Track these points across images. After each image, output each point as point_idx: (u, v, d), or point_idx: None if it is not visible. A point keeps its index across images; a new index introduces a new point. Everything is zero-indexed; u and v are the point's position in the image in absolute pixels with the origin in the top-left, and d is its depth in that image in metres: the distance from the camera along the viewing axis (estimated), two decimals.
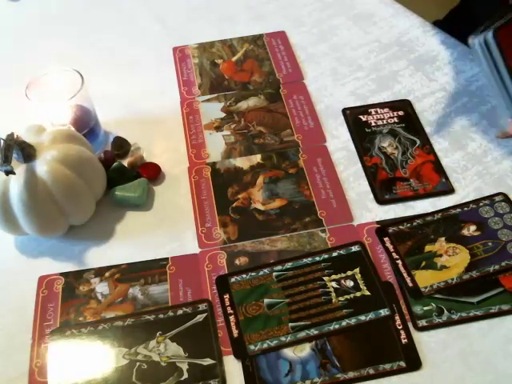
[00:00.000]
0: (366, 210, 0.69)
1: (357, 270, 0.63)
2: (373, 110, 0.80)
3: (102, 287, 0.64)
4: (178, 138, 0.79)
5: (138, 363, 0.57)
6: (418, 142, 0.76)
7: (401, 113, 0.79)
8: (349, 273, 0.63)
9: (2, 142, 0.60)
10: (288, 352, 0.58)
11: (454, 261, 0.63)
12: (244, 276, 0.63)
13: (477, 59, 0.70)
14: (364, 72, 0.86)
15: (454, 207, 0.68)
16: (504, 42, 0.64)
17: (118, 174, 0.72)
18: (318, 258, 0.64)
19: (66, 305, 0.63)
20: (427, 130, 0.77)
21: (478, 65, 0.71)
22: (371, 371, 0.56)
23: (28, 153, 0.63)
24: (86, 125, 0.75)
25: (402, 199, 0.70)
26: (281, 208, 0.70)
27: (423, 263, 0.63)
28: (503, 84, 0.68)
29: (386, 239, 0.66)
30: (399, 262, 0.63)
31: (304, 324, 0.59)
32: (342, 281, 0.62)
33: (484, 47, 0.67)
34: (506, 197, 0.69)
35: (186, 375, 0.56)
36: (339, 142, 0.77)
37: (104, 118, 0.79)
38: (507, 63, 0.65)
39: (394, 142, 0.76)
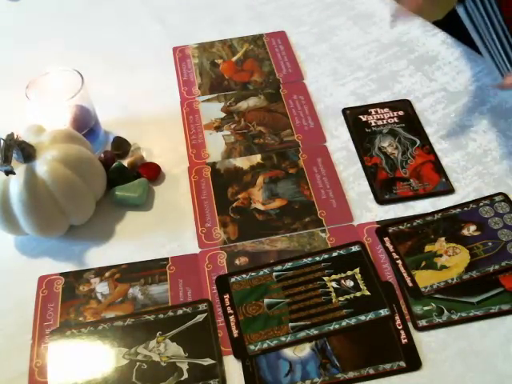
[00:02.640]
0: (366, 210, 0.69)
1: (357, 270, 0.63)
2: (373, 110, 0.80)
3: (101, 287, 0.64)
4: (178, 138, 0.79)
5: (138, 363, 0.57)
6: (418, 142, 0.76)
7: (401, 113, 0.79)
8: (349, 273, 0.63)
9: (2, 142, 0.60)
10: (288, 352, 0.58)
11: (453, 261, 0.63)
12: (244, 276, 0.63)
13: (466, 25, 0.70)
14: (364, 72, 0.86)
15: (454, 207, 0.68)
16: None
17: (118, 173, 0.72)
18: (318, 258, 0.64)
19: (65, 305, 0.63)
20: (427, 130, 0.77)
21: (469, 31, 0.71)
22: (371, 371, 0.56)
23: (28, 153, 0.63)
24: (86, 125, 0.75)
25: (402, 199, 0.70)
26: (281, 208, 0.70)
27: (423, 263, 0.63)
28: (498, 40, 0.69)
29: (386, 239, 0.65)
30: (399, 261, 0.63)
31: (304, 324, 0.59)
32: (342, 281, 0.62)
33: (471, 8, 0.67)
34: (506, 197, 0.69)
35: (186, 375, 0.56)
36: (339, 142, 0.77)
37: (104, 118, 0.79)
38: (503, 14, 0.66)
39: (394, 142, 0.76)
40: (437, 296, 0.60)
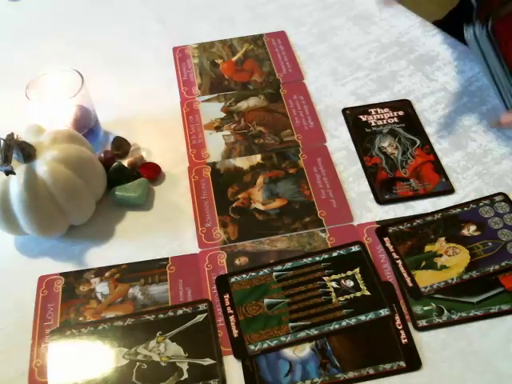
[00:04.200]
0: (366, 210, 0.69)
1: (357, 270, 0.63)
2: (373, 110, 0.80)
3: (102, 287, 0.64)
4: (178, 138, 0.79)
5: (138, 363, 0.57)
6: (418, 142, 0.76)
7: (401, 113, 0.79)
8: (349, 273, 0.63)
9: (2, 142, 0.60)
10: (288, 352, 0.58)
11: (454, 261, 0.63)
12: (244, 276, 0.63)
13: (472, 49, 0.70)
14: (364, 72, 0.86)
15: (454, 207, 0.68)
16: (500, 35, 0.65)
17: (117, 173, 0.72)
18: (318, 258, 0.64)
19: (66, 305, 0.63)
20: (427, 130, 0.77)
21: (473, 54, 0.72)
22: (371, 371, 0.56)
23: (28, 153, 0.63)
24: (86, 125, 0.75)
25: (402, 199, 0.70)
26: (281, 208, 0.70)
27: (423, 263, 0.63)
28: (493, 77, 0.69)
29: (386, 239, 0.66)
30: (399, 261, 0.63)
31: (304, 324, 0.59)
32: (342, 281, 0.62)
33: (477, 38, 0.67)
34: (506, 197, 0.69)
35: (186, 375, 0.56)
36: (339, 142, 0.77)
37: (104, 118, 0.79)
38: (500, 56, 0.66)
39: (394, 142, 0.76)
40: (437, 296, 0.60)
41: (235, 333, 0.59)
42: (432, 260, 0.63)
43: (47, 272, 0.65)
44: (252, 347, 0.58)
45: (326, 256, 0.64)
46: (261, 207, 0.70)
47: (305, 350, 0.58)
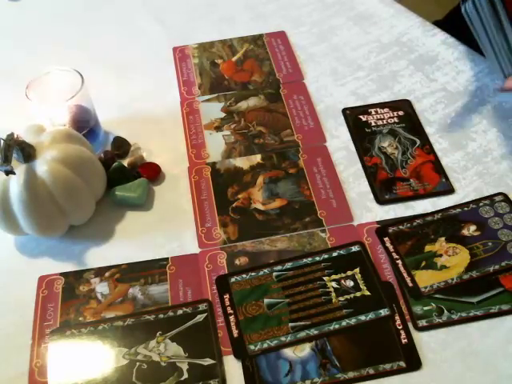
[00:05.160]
0: (366, 210, 0.69)
1: (357, 270, 0.63)
2: (373, 110, 0.80)
3: (101, 287, 0.64)
4: (178, 138, 0.79)
5: (137, 363, 0.57)
6: (418, 142, 0.76)
7: (401, 113, 0.79)
8: (349, 273, 0.63)
9: (2, 142, 0.60)
10: (288, 352, 0.58)
11: (454, 261, 0.63)
12: (244, 276, 0.63)
13: (473, 23, 0.72)
14: (364, 72, 0.86)
15: (454, 207, 0.68)
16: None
17: (118, 173, 0.72)
18: (318, 258, 0.64)
19: (66, 305, 0.63)
20: (427, 130, 0.77)
21: (473, 30, 0.73)
22: (371, 371, 0.56)
23: (28, 153, 0.63)
24: (85, 125, 0.75)
25: (402, 199, 0.70)
26: (281, 208, 0.70)
27: (423, 263, 0.63)
28: (492, 47, 0.70)
29: (386, 239, 0.66)
30: (399, 261, 0.63)
31: (304, 324, 0.59)
32: (342, 281, 0.62)
33: (477, 8, 0.69)
34: (506, 197, 0.69)
35: (186, 375, 0.56)
36: (339, 142, 0.77)
37: (104, 118, 0.79)
38: (502, 18, 0.68)
39: (394, 142, 0.76)
40: (437, 296, 0.60)
41: (235, 333, 0.59)
42: (432, 260, 0.63)
43: (47, 272, 0.65)
44: (252, 347, 0.58)
45: (326, 256, 0.64)
46: (261, 207, 0.70)
47: (305, 350, 0.58)
